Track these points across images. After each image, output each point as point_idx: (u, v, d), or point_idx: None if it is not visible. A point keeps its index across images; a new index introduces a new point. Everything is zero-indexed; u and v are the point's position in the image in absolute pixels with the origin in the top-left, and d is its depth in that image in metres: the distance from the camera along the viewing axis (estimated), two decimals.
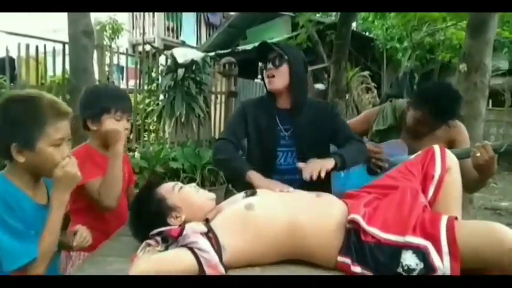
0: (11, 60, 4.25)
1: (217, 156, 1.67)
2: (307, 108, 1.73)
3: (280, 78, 1.67)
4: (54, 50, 4.42)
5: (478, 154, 1.55)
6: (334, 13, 10.67)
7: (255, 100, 1.85)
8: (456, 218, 1.12)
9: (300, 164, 1.47)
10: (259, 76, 1.92)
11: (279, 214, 1.19)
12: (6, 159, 1.13)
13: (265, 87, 1.75)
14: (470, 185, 1.71)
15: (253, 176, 1.51)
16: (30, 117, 1.09)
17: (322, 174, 1.39)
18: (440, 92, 1.78)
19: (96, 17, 8.01)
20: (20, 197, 1.13)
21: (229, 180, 4.22)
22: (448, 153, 1.33)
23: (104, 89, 1.73)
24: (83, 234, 1.30)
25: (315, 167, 1.40)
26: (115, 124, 1.55)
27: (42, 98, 1.13)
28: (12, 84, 4.10)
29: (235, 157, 1.64)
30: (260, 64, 1.73)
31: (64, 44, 4.17)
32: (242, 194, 1.33)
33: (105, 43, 5.33)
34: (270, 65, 1.67)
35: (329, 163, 1.45)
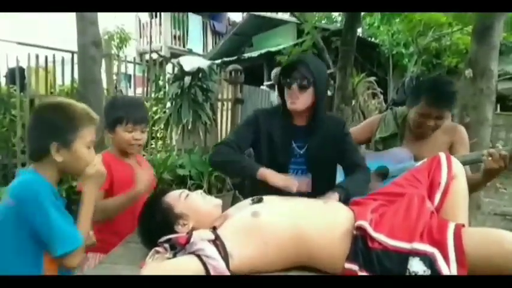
0: (21, 70, 4.33)
1: (220, 159, 1.62)
2: (322, 125, 1.68)
3: (304, 100, 1.60)
4: (63, 60, 4.49)
5: (488, 160, 1.56)
6: (339, 19, 10.70)
7: (270, 111, 1.76)
8: (463, 225, 1.12)
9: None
10: (265, 84, 1.91)
11: (286, 221, 1.20)
12: (39, 159, 1.23)
13: (283, 104, 1.68)
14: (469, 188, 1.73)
15: (266, 172, 1.50)
16: (67, 120, 1.22)
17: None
18: (432, 80, 1.85)
19: (104, 27, 8.14)
20: (54, 190, 1.23)
21: (236, 187, 4.24)
22: (454, 160, 1.33)
23: (121, 100, 1.78)
24: (92, 237, 1.38)
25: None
26: (126, 135, 1.64)
27: (76, 105, 1.28)
28: (22, 93, 4.16)
29: (241, 158, 1.61)
30: (282, 80, 1.64)
31: (73, 53, 4.24)
32: (249, 200, 1.34)
33: (112, 52, 5.40)
34: (294, 86, 1.59)
35: (334, 198, 1.44)
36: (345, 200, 1.48)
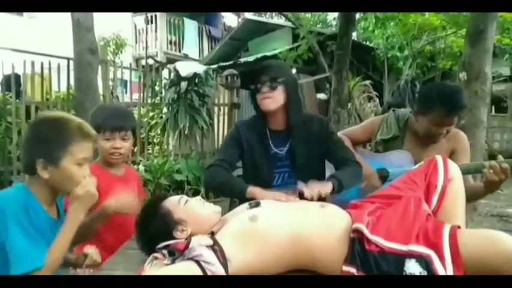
0: (17, 76, 4.32)
1: (211, 181, 1.68)
2: (301, 126, 1.72)
3: (275, 99, 1.65)
4: (58, 66, 4.49)
5: (489, 172, 1.57)
6: (334, 24, 10.75)
7: (249, 122, 1.81)
8: (459, 227, 1.13)
9: (300, 185, 1.49)
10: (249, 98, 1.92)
11: (283, 225, 1.20)
12: (30, 174, 1.19)
13: (256, 109, 1.73)
14: (471, 197, 1.72)
15: (254, 191, 1.52)
16: (56, 136, 1.16)
17: (322, 196, 1.43)
18: (440, 87, 1.85)
19: (100, 33, 8.13)
20: (38, 208, 1.18)
21: None
22: (451, 163, 1.34)
23: (101, 108, 1.77)
24: (93, 256, 1.34)
25: (314, 190, 1.43)
26: (104, 143, 1.60)
27: (69, 119, 1.22)
28: (17, 100, 4.15)
29: (230, 178, 1.64)
30: (252, 87, 1.71)
31: (69, 60, 4.23)
32: (246, 205, 1.35)
33: (109, 58, 5.40)
34: (265, 88, 1.65)
35: (327, 187, 1.48)
36: (338, 191, 1.51)
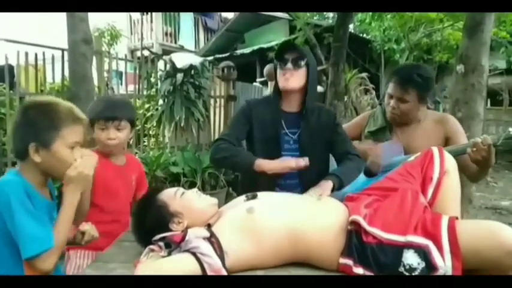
0: (10, 67, 4.26)
1: (217, 155, 1.64)
2: (314, 112, 1.72)
3: (297, 79, 1.65)
4: (53, 57, 4.43)
5: (473, 151, 1.57)
6: (331, 16, 10.71)
7: (261, 100, 1.82)
8: (457, 218, 1.13)
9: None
10: (261, 78, 1.93)
11: (280, 217, 1.20)
12: (22, 159, 1.20)
13: (276, 86, 1.72)
14: (473, 176, 1.78)
15: (262, 163, 1.52)
16: (47, 120, 1.17)
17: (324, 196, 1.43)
18: (402, 65, 1.88)
19: (95, 24, 8.04)
20: (33, 191, 1.18)
21: (230, 184, 4.23)
22: (447, 155, 1.34)
23: (98, 99, 1.82)
24: (90, 232, 1.38)
25: (316, 192, 1.43)
26: (99, 134, 1.62)
27: (59, 103, 1.22)
28: (11, 91, 4.10)
29: (237, 152, 1.63)
30: (275, 62, 1.71)
31: (63, 50, 4.18)
32: (243, 197, 1.34)
33: (103, 49, 5.34)
34: (289, 65, 1.65)
35: (328, 187, 1.48)
36: (339, 188, 1.51)
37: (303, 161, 1.52)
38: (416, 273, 1.04)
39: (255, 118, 1.71)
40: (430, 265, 1.04)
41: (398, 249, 1.08)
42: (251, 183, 1.57)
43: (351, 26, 8.28)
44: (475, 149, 1.56)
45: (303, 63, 1.65)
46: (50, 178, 1.28)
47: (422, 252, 1.05)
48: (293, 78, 1.65)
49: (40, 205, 1.18)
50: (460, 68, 2.87)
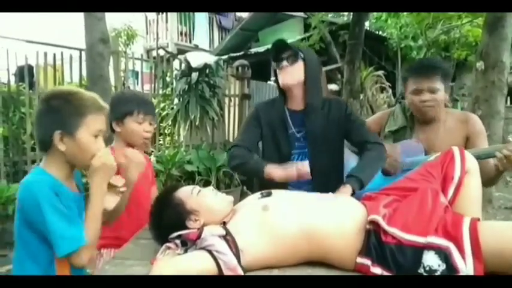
0: (30, 67, 4.36)
1: (232, 163, 1.69)
2: (320, 107, 1.72)
3: (294, 74, 1.66)
4: (71, 57, 4.51)
5: (506, 162, 1.54)
6: (346, 13, 10.61)
7: (268, 103, 1.84)
8: (479, 219, 1.10)
9: None
10: (273, 77, 1.93)
11: (296, 215, 1.19)
12: (45, 149, 1.20)
13: (278, 86, 1.74)
14: (487, 181, 1.70)
15: (271, 170, 1.54)
16: (72, 107, 1.17)
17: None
18: (414, 62, 1.85)
19: (111, 24, 8.16)
20: (61, 186, 1.19)
21: (244, 182, 4.24)
22: (468, 154, 1.31)
23: (129, 93, 1.83)
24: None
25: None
26: (137, 126, 1.62)
27: (82, 92, 1.23)
28: (31, 91, 4.20)
29: (249, 159, 1.65)
30: (273, 63, 1.73)
31: (81, 50, 4.26)
32: (258, 194, 1.34)
33: (120, 49, 5.41)
34: (284, 63, 1.67)
35: (347, 193, 1.45)
36: (360, 188, 1.50)
37: (302, 167, 1.52)
38: (436, 275, 1.02)
39: (264, 120, 1.75)
40: (450, 267, 1.01)
41: (418, 250, 1.06)
42: (265, 182, 1.57)
43: (367, 23, 8.17)
44: (505, 160, 1.54)
45: (297, 58, 1.67)
46: (76, 170, 1.27)
47: (443, 254, 1.03)
48: (290, 74, 1.66)
49: (69, 200, 1.18)
50: (480, 64, 2.81)
